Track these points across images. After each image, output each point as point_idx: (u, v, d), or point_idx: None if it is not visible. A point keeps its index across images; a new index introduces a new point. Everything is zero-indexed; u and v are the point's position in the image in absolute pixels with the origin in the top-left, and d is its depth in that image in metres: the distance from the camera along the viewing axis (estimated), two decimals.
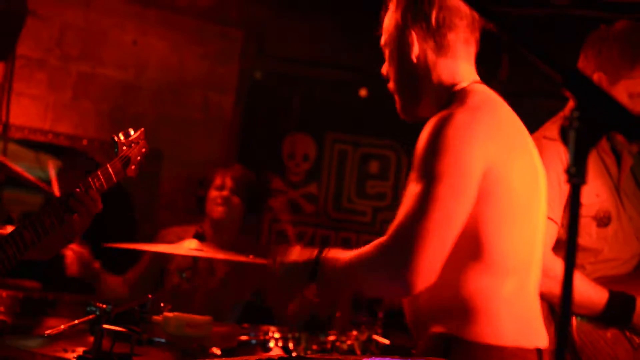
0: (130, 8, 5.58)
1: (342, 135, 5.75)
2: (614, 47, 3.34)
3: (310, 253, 2.52)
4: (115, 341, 2.96)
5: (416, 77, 2.59)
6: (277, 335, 3.70)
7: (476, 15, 2.61)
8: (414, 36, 2.57)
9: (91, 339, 3.00)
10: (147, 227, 5.50)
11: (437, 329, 2.40)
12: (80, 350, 3.21)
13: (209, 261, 4.69)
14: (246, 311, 4.78)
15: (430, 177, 2.30)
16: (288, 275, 2.54)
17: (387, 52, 2.67)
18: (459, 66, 2.60)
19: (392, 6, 2.66)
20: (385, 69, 2.70)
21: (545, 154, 2.80)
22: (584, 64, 3.40)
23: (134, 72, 5.64)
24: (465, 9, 2.59)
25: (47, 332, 3.01)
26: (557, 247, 3.14)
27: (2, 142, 5.14)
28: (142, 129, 2.90)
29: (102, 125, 5.47)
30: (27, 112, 5.28)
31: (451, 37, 2.58)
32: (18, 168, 4.20)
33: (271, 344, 3.70)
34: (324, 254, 2.48)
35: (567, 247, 1.47)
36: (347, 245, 5.88)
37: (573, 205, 1.48)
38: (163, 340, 3.40)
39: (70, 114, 5.42)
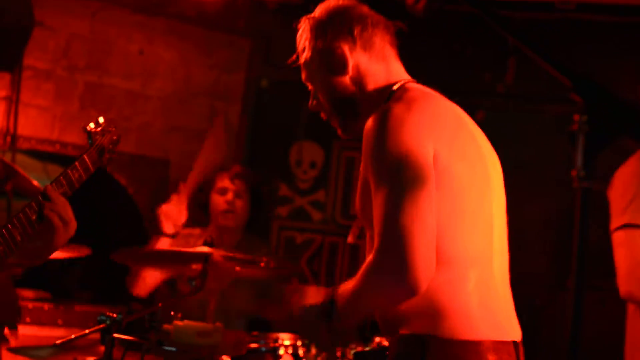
0: (137, 18, 5.59)
1: (349, 142, 5.75)
2: None
3: (325, 293, 2.50)
4: (127, 350, 2.97)
5: (353, 91, 2.60)
6: (287, 342, 3.70)
7: (382, 17, 2.64)
8: (345, 50, 2.59)
9: (102, 348, 3.00)
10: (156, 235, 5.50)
11: (407, 330, 2.38)
12: None
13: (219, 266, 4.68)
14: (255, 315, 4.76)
15: (388, 178, 2.29)
16: (307, 320, 2.53)
17: (314, 81, 2.68)
18: (392, 68, 2.63)
19: (305, 35, 2.67)
20: (313, 101, 2.71)
21: None
22: None
23: (140, 82, 5.65)
24: (377, 15, 2.64)
25: (58, 341, 3.01)
26: None
27: (10, 152, 5.16)
28: (111, 117, 2.90)
29: None
30: (34, 123, 5.30)
31: (377, 41, 2.61)
32: (28, 177, 4.21)
33: (281, 352, 3.69)
34: (336, 292, 2.46)
35: (577, 249, 1.48)
36: (355, 252, 5.88)
37: (583, 208, 1.48)
38: (174, 349, 3.40)
39: (78, 124, 5.40)
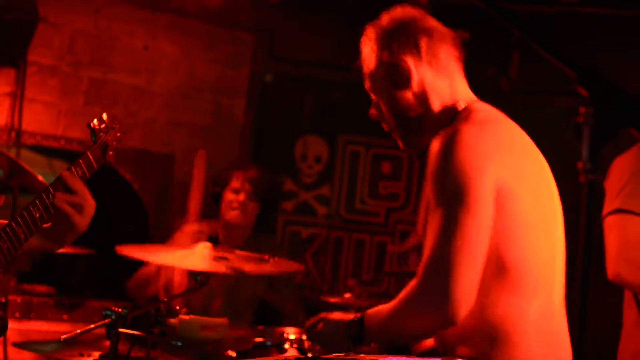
0: (140, 13, 5.59)
1: (354, 136, 5.75)
2: None
3: (352, 314, 2.50)
4: (132, 345, 2.97)
5: (417, 106, 2.55)
6: (292, 336, 3.70)
7: (452, 32, 2.60)
8: (410, 64, 2.54)
9: (107, 343, 3.01)
10: (160, 231, 5.51)
11: (465, 351, 2.37)
12: (96, 355, 3.22)
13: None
14: (261, 308, 4.77)
15: (445, 201, 2.29)
16: (330, 333, 2.53)
17: (378, 92, 2.62)
18: (457, 85, 2.58)
19: (370, 46, 2.61)
20: (376, 111, 2.65)
21: None
22: None
23: (144, 77, 5.65)
24: (444, 28, 2.59)
25: (63, 336, 3.01)
26: None
27: (15, 148, 5.17)
28: (114, 114, 2.87)
29: None
30: (39, 119, 5.30)
31: (443, 57, 2.56)
32: (33, 172, 4.21)
33: (286, 346, 3.69)
34: (366, 312, 2.45)
35: (584, 242, 1.48)
36: (360, 246, 5.89)
37: (589, 202, 1.48)
38: (179, 343, 3.40)
39: (82, 120, 5.41)
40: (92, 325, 3.00)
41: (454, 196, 2.27)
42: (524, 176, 2.39)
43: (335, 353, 2.42)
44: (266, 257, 3.80)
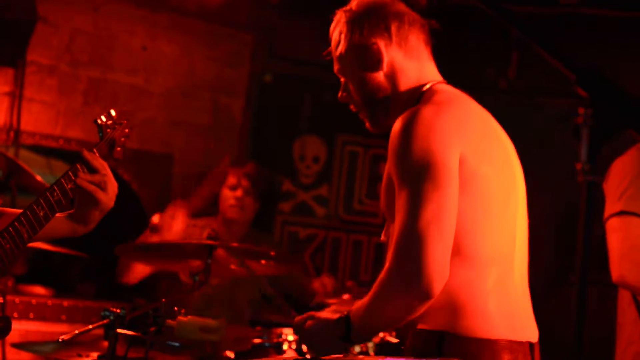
0: (140, 13, 5.59)
1: (352, 137, 5.75)
2: None
3: (338, 314, 2.49)
4: (130, 346, 2.97)
5: (386, 87, 2.60)
6: (290, 337, 3.70)
7: (422, 18, 2.64)
8: (380, 46, 2.59)
9: (105, 343, 3.00)
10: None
11: (425, 325, 2.39)
12: (94, 355, 3.22)
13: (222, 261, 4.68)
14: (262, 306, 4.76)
15: (410, 179, 2.32)
16: (318, 331, 2.52)
17: (347, 74, 2.67)
18: (425, 67, 2.63)
19: (340, 27, 2.66)
20: (343, 93, 2.71)
21: None
22: None
23: (143, 77, 5.65)
24: (413, 13, 2.64)
25: (62, 337, 3.01)
26: None
27: (14, 148, 5.16)
28: (124, 108, 2.84)
29: None
30: (38, 118, 5.30)
31: (412, 40, 2.61)
32: (31, 172, 4.21)
33: (285, 347, 3.69)
34: (352, 308, 2.45)
35: (582, 244, 1.47)
36: (358, 247, 5.89)
37: (588, 202, 1.48)
38: (177, 344, 3.40)
39: (81, 120, 5.43)
40: (91, 326, 3.00)
41: (419, 172, 2.30)
42: (484, 153, 2.41)
43: (320, 351, 2.43)
44: (272, 253, 3.81)
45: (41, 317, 5.15)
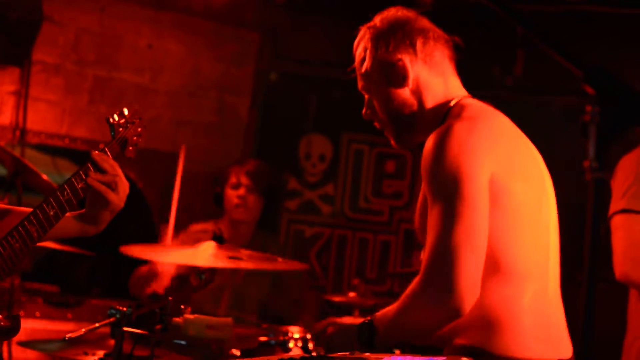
0: (145, 12, 5.59)
1: (358, 135, 5.75)
2: None
3: (361, 319, 2.51)
4: (136, 344, 2.97)
5: (412, 103, 2.60)
6: (296, 335, 3.70)
7: (446, 34, 2.65)
8: (406, 62, 2.58)
9: (112, 342, 3.01)
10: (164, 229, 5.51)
11: (462, 341, 2.40)
12: (101, 354, 3.22)
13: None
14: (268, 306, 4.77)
15: (442, 197, 2.32)
16: (341, 339, 2.53)
17: (372, 91, 2.66)
18: (450, 82, 2.63)
19: (364, 44, 2.66)
20: (367, 110, 2.70)
21: None
22: None
23: (149, 76, 5.65)
24: (437, 29, 2.64)
25: (68, 335, 3.01)
26: None
27: (20, 147, 5.17)
28: (136, 108, 2.82)
29: None
30: (43, 117, 5.30)
31: (437, 56, 2.61)
32: (37, 171, 4.21)
33: (291, 345, 3.69)
34: (375, 314, 2.47)
35: (590, 242, 1.47)
36: (364, 245, 5.88)
37: (596, 199, 1.48)
38: (183, 342, 3.40)
39: (87, 119, 5.43)
40: (97, 324, 3.00)
41: (451, 190, 2.31)
42: (516, 169, 2.42)
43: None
44: (278, 258, 3.81)
45: (47, 315, 5.16)
